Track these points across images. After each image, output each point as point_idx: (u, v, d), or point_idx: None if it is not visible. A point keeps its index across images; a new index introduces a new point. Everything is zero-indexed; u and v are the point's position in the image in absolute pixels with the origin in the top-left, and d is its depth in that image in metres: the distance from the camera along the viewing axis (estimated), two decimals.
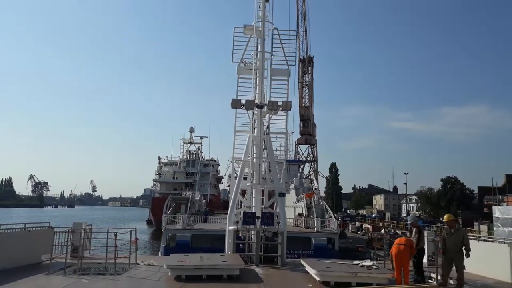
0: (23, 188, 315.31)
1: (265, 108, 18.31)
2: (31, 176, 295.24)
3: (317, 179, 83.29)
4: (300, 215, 38.75)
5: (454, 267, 11.87)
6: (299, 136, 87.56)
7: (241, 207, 19.42)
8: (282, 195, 18.82)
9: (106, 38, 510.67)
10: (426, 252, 13.21)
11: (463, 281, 11.85)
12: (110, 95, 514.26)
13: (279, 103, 18.22)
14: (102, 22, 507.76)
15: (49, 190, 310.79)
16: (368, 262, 14.23)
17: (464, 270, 11.94)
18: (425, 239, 13.04)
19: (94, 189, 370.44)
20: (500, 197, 59.65)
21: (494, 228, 19.25)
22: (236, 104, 18.10)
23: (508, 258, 13.24)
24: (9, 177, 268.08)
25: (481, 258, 14.48)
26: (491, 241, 15.80)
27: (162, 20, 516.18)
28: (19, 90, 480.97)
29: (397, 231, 50.66)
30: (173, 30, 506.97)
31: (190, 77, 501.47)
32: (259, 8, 18.98)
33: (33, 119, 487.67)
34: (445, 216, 12.98)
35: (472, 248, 14.78)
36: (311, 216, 35.25)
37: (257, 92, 18.62)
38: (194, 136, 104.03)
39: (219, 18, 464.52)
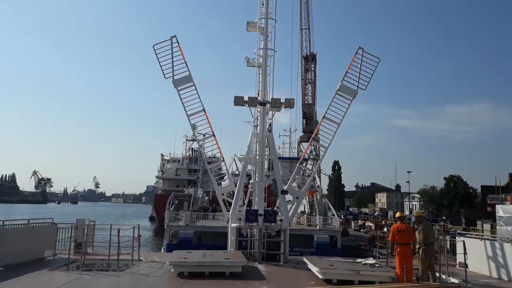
0: (26, 184, 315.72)
1: (268, 105, 18.31)
2: (35, 172, 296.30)
3: (319, 177, 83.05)
4: (303, 212, 38.79)
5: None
6: (302, 133, 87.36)
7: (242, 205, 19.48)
8: (284, 192, 18.85)
9: (107, 37, 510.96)
10: None
11: (423, 277, 11.91)
12: (113, 92, 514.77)
13: (282, 100, 18.22)
14: (102, 21, 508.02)
15: (52, 186, 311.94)
16: (371, 260, 14.19)
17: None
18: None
19: (97, 185, 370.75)
20: (504, 196, 59.37)
21: (497, 227, 19.19)
22: (239, 101, 18.10)
23: (511, 257, 13.21)
24: (13, 173, 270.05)
25: (484, 257, 14.47)
26: (494, 240, 15.75)
27: (163, 17, 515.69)
28: (21, 87, 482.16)
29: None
30: (172, 26, 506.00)
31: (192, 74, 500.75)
32: (262, 4, 18.96)
33: (37, 116, 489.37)
34: (414, 213, 13.55)
35: (475, 246, 14.82)
36: (314, 214, 35.27)
37: (260, 89, 18.62)
38: (197, 133, 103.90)
39: (220, 15, 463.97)
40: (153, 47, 17.25)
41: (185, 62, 17.56)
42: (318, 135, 18.53)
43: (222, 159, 19.58)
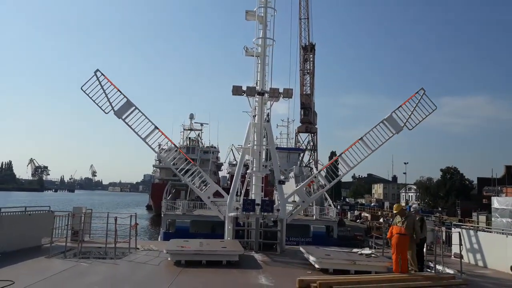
0: (23, 172, 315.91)
1: (266, 95, 18.23)
2: (31, 160, 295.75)
3: (316, 167, 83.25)
4: None
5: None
6: (300, 124, 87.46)
7: (240, 195, 19.55)
8: (281, 182, 18.88)
9: (107, 27, 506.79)
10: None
11: (415, 266, 12.09)
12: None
13: (281, 90, 18.13)
14: (103, 9, 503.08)
15: (49, 174, 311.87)
16: (367, 251, 14.29)
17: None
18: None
19: (94, 174, 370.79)
20: (499, 188, 59.76)
21: (493, 219, 19.36)
22: (237, 91, 18.01)
23: (506, 249, 13.32)
24: (9, 161, 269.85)
25: (480, 248, 14.58)
26: (490, 232, 15.86)
27: (161, 7, 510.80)
28: (19, 74, 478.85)
29: None
30: (170, 14, 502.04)
31: (190, 63, 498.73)
32: None
33: (34, 104, 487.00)
34: (394, 206, 13.56)
35: (471, 238, 14.94)
36: (310, 204, 35.39)
37: (258, 79, 18.52)
38: (194, 122, 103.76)
39: (220, 2, 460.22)
40: (81, 88, 16.48)
41: (118, 90, 16.72)
42: (345, 154, 17.98)
43: (196, 165, 19.21)
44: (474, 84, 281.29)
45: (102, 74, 16.61)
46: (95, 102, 16.65)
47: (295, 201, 20.44)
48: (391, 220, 13.72)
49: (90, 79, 16.52)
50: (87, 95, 16.53)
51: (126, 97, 16.83)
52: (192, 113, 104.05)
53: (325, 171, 19.31)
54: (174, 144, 18.83)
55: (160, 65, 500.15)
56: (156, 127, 17.18)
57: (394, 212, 12.86)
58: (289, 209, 19.39)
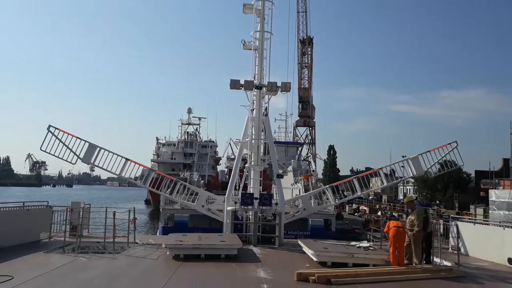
0: (21, 167, 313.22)
1: (264, 89, 18.21)
2: (29, 155, 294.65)
3: (315, 161, 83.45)
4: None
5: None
6: (298, 118, 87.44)
7: (238, 189, 19.59)
8: (280, 176, 18.89)
9: (104, 19, 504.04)
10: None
11: (418, 260, 12.10)
12: (108, 75, 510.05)
13: (279, 84, 18.12)
14: (101, 5, 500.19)
15: (47, 169, 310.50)
16: (365, 244, 14.35)
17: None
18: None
19: (92, 168, 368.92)
20: (497, 180, 59.87)
21: (490, 211, 19.51)
22: (234, 84, 17.99)
23: (503, 241, 13.39)
24: (7, 156, 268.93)
25: (477, 240, 14.67)
26: (487, 224, 15.95)
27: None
28: (16, 69, 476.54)
29: (393, 213, 51.18)
30: (166, 12, 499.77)
31: (188, 57, 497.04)
32: None
33: (31, 98, 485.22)
34: (405, 199, 13.82)
35: (468, 230, 15.02)
36: (309, 198, 35.46)
37: (256, 72, 18.48)
38: (192, 116, 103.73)
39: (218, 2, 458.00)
40: (41, 149, 15.95)
41: (77, 138, 16.25)
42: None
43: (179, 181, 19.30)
44: (472, 76, 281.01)
45: (56, 128, 16.03)
46: (59, 158, 16.13)
47: (298, 205, 20.52)
48: (389, 215, 13.81)
49: (45, 137, 15.84)
50: (49, 153, 15.99)
51: (87, 142, 16.34)
52: (190, 107, 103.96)
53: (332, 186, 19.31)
54: (149, 168, 18.82)
55: (157, 59, 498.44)
56: (127, 159, 16.82)
57: (404, 203, 13.12)
58: (288, 206, 19.44)
